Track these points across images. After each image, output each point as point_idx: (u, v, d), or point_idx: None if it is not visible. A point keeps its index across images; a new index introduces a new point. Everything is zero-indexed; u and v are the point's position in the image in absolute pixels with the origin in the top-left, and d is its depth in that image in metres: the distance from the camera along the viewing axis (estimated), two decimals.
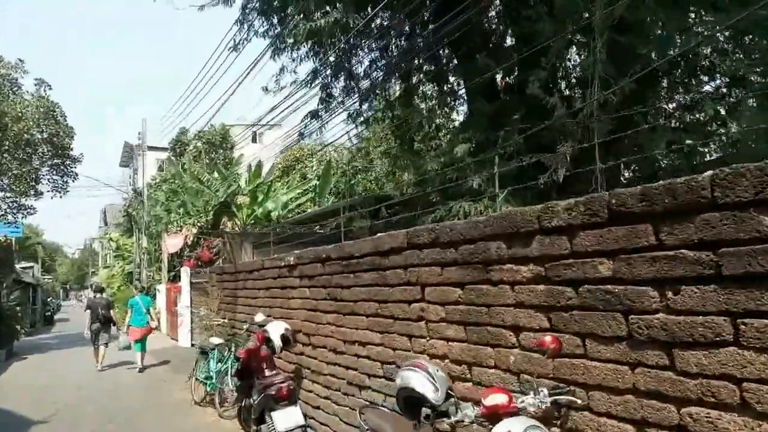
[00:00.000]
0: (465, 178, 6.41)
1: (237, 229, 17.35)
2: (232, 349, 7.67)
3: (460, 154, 6.44)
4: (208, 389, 7.87)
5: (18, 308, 19.32)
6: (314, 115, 10.07)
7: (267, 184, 20.68)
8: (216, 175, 22.14)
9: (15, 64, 17.75)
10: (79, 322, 30.63)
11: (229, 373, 7.32)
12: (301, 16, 7.23)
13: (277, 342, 5.64)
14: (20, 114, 16.91)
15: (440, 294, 3.68)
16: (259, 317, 6.35)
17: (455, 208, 6.10)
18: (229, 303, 8.94)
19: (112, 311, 12.69)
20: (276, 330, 5.71)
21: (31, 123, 17.01)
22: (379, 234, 4.55)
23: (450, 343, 3.59)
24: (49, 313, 35.89)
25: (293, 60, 9.70)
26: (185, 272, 15.84)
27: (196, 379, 8.13)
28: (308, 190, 21.64)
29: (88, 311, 12.41)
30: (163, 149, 35.78)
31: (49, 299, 41.86)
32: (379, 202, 8.50)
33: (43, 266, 56.34)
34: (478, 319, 3.33)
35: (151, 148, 31.55)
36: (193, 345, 14.99)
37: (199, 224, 20.78)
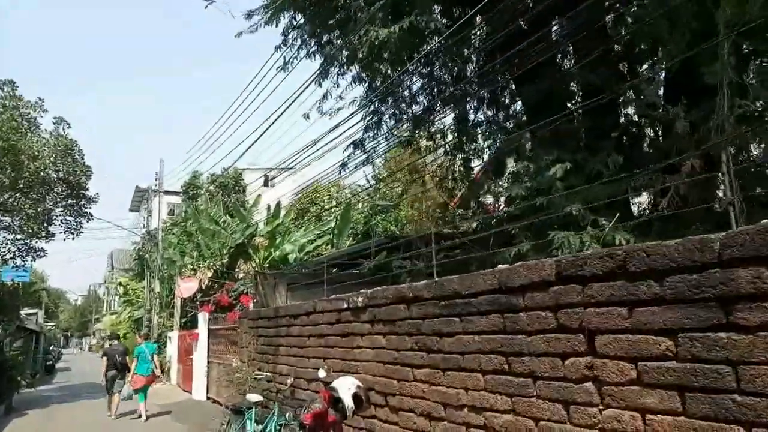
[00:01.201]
0: (557, 205, 5.46)
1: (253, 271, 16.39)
2: (274, 408, 6.52)
3: (559, 175, 5.51)
4: None
5: (20, 357, 18.09)
6: (357, 144, 9.27)
7: (286, 226, 19.93)
8: (228, 218, 21.52)
9: (34, 103, 17.27)
10: (81, 371, 29.29)
11: None
12: (361, 31, 6.51)
13: (349, 403, 4.52)
14: (37, 153, 16.28)
15: (628, 345, 2.65)
16: (322, 373, 5.23)
17: (556, 239, 5.12)
18: (265, 353, 7.82)
19: (127, 358, 12.41)
20: (346, 387, 4.60)
21: (47, 161, 16.36)
22: (500, 266, 3.56)
23: (652, 417, 2.53)
24: (50, 362, 34.34)
25: (337, 86, 9.01)
26: (203, 318, 14.74)
27: None
28: (326, 231, 20.88)
29: (105, 358, 12.24)
30: (175, 193, 35.66)
31: (51, 347, 40.31)
32: (439, 240, 7.51)
33: (46, 313, 54.91)
34: (713, 383, 2.29)
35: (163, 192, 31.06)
36: (209, 398, 13.75)
37: (214, 267, 19.95)
